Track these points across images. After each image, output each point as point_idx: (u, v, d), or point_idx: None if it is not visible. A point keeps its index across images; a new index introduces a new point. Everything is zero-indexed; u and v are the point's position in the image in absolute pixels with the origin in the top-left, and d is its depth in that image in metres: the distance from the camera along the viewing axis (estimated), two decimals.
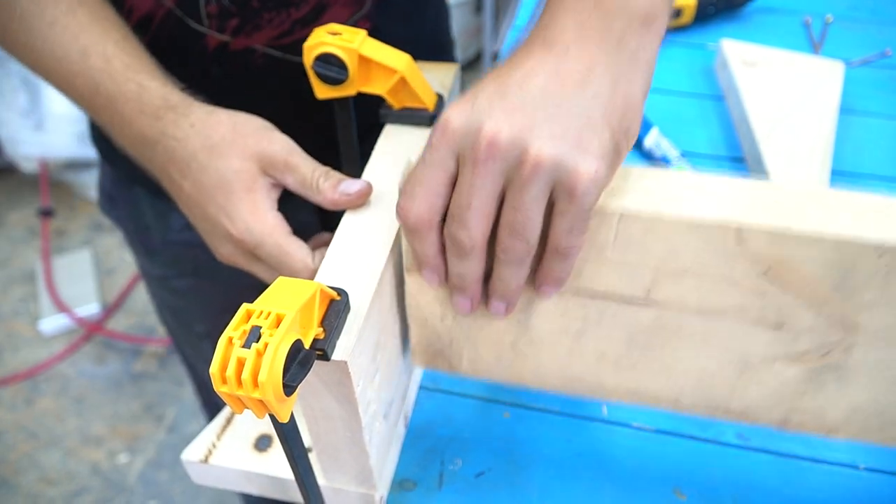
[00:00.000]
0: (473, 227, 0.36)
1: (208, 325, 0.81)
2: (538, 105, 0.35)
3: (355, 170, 0.53)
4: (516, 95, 0.36)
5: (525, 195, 0.35)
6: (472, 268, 0.39)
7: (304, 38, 0.56)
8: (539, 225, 0.36)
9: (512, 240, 0.36)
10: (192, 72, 0.59)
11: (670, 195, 0.38)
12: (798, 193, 0.39)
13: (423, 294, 0.44)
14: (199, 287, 0.77)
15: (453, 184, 0.37)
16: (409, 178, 0.38)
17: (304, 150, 0.58)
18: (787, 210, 0.38)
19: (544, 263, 0.39)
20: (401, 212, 0.38)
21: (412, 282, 0.44)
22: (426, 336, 0.48)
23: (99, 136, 0.70)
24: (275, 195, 0.48)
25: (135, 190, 0.71)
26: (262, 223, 0.46)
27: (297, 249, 0.46)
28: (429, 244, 0.39)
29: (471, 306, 0.41)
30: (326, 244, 0.44)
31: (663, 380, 0.45)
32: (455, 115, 0.36)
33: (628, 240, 0.39)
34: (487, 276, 0.40)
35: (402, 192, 0.38)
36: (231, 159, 0.47)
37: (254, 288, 0.76)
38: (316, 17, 0.60)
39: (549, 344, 0.45)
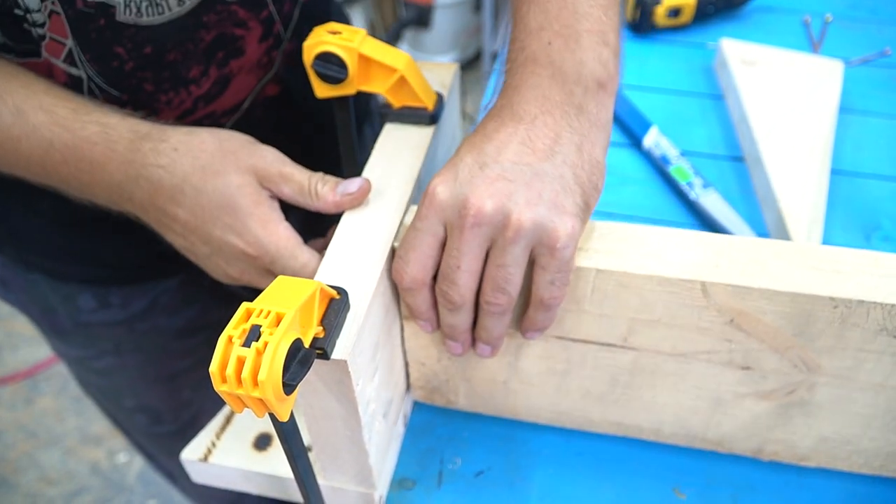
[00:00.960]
0: (462, 285, 0.40)
1: (140, 399, 0.78)
2: (515, 174, 0.39)
3: (355, 170, 0.53)
4: (494, 166, 0.39)
5: (507, 255, 0.39)
6: (461, 319, 0.43)
7: (210, 115, 0.56)
8: (520, 280, 0.40)
9: (495, 294, 0.40)
10: None
11: (641, 252, 0.42)
12: (759, 248, 0.42)
13: (420, 339, 0.49)
14: (123, 364, 0.73)
15: (442, 246, 0.41)
16: (402, 243, 0.42)
17: None
18: (749, 265, 0.41)
19: (529, 313, 0.43)
20: (396, 274, 0.42)
21: (409, 328, 0.48)
22: (424, 374, 0.52)
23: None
24: (277, 207, 0.47)
25: (32, 275, 0.66)
26: (276, 236, 0.45)
27: (311, 259, 0.45)
28: (422, 300, 0.43)
29: (462, 350, 0.45)
30: (324, 249, 0.44)
31: (644, 414, 0.50)
32: (440, 188, 0.40)
33: (604, 294, 0.43)
34: (475, 322, 0.44)
35: (397, 256, 0.42)
36: (229, 176, 0.45)
37: (183, 353, 0.74)
38: (221, 91, 0.57)
39: (538, 383, 0.50)
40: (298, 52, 0.59)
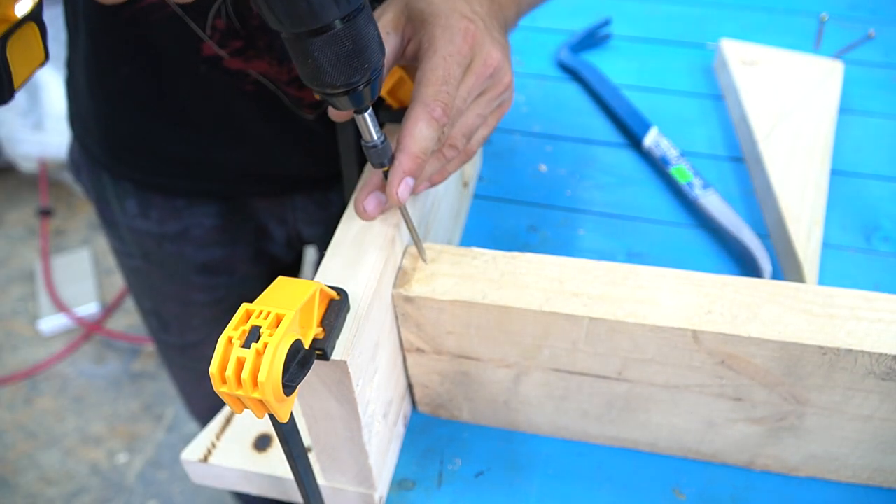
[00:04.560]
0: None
1: (153, 303, 0.84)
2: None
3: (355, 173, 0.53)
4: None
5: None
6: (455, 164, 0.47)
7: (297, 77, 0.58)
8: None
9: (464, 139, 0.45)
10: (178, 66, 0.59)
11: (633, 297, 0.43)
12: (751, 291, 0.43)
13: (423, 367, 0.50)
14: (149, 271, 0.79)
15: None
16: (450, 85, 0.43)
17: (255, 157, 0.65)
18: (740, 310, 0.42)
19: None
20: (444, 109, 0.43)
21: (412, 359, 0.49)
22: (429, 395, 0.53)
23: (75, 118, 0.73)
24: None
25: (96, 168, 0.74)
26: None
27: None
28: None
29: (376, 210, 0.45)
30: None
31: (640, 431, 0.51)
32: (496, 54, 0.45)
33: (597, 337, 0.44)
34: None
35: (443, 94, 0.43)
36: None
37: (201, 287, 0.79)
38: None
39: (538, 405, 0.51)
40: None
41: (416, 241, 0.45)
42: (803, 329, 0.41)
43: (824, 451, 0.48)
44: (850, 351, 0.40)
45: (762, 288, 0.43)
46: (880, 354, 0.40)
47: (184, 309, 0.82)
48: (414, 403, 0.55)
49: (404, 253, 0.47)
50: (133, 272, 0.83)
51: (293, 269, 0.90)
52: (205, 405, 0.99)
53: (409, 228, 0.44)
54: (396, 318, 0.47)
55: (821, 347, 0.41)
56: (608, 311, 0.43)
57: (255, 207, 0.75)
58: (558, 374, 0.47)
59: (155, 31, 0.58)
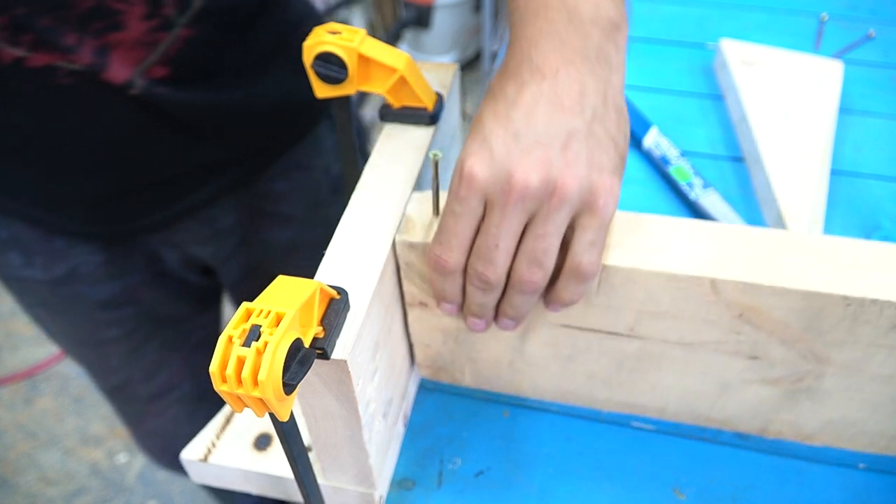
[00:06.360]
0: (500, 264, 0.38)
1: (69, 349, 0.81)
2: (550, 138, 0.37)
3: (354, 170, 0.53)
4: (527, 134, 0.37)
5: (550, 224, 0.37)
6: (492, 298, 0.41)
7: (105, 86, 0.56)
8: (556, 252, 0.38)
9: (531, 269, 0.39)
10: None
11: (648, 245, 0.41)
12: (770, 241, 0.41)
13: (425, 323, 0.48)
14: (51, 317, 0.76)
15: (479, 226, 0.39)
16: (441, 229, 0.40)
17: (115, 189, 0.62)
18: (760, 260, 0.40)
19: (560, 284, 0.40)
20: (437, 262, 0.40)
21: (414, 315, 0.48)
22: (430, 356, 0.51)
23: None
24: None
25: None
26: None
27: None
28: (456, 284, 0.41)
29: (486, 326, 0.44)
30: None
31: (649, 395, 0.49)
32: (478, 168, 0.37)
33: (611, 288, 0.42)
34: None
35: (436, 242, 0.40)
36: None
37: (109, 323, 0.76)
38: (104, 64, 0.56)
39: (543, 365, 0.49)
40: (199, 40, 0.59)
41: (435, 193, 0.44)
42: (827, 278, 0.39)
43: (841, 416, 0.46)
44: (875, 301, 0.38)
45: (784, 238, 0.42)
46: None
47: (98, 350, 0.78)
48: (415, 368, 0.54)
49: (409, 198, 0.46)
50: (39, 321, 0.78)
51: (204, 289, 0.86)
52: (154, 444, 0.94)
53: (434, 180, 0.43)
54: (398, 269, 0.45)
55: (845, 297, 0.39)
56: (623, 259, 0.41)
57: (137, 237, 0.71)
58: (567, 331, 0.46)
59: None
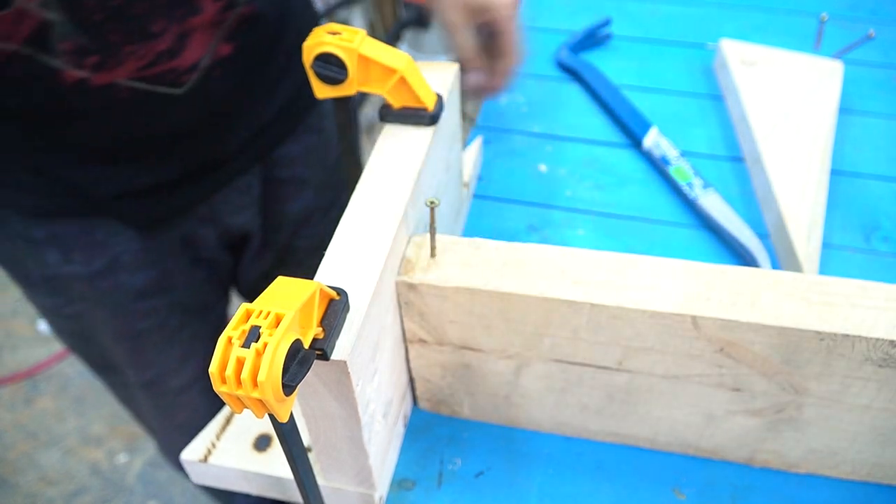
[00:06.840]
0: None
1: (101, 349, 0.81)
2: None
3: (355, 170, 0.53)
4: None
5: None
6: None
7: (172, 71, 0.60)
8: None
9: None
10: (48, 105, 0.58)
11: (634, 284, 0.44)
12: (749, 279, 0.44)
13: (425, 359, 0.50)
14: (88, 312, 0.76)
15: None
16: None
17: (170, 178, 0.66)
18: (738, 297, 0.43)
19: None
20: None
21: (414, 351, 0.50)
22: (430, 389, 0.53)
23: None
24: None
25: (6, 224, 0.69)
26: None
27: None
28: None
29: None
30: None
31: (640, 425, 0.51)
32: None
33: (598, 324, 0.44)
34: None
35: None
36: None
37: (145, 313, 0.77)
38: (181, 48, 0.60)
39: (538, 398, 0.51)
40: (256, 18, 0.65)
41: (432, 236, 0.46)
42: (801, 315, 0.41)
43: (823, 445, 0.48)
44: (847, 336, 0.41)
45: (760, 277, 0.44)
46: (877, 339, 0.40)
47: (134, 343, 0.79)
48: (415, 400, 0.55)
49: (408, 242, 0.47)
50: (72, 320, 0.79)
51: (230, 274, 0.87)
52: (181, 441, 0.93)
53: (431, 225, 0.45)
54: (399, 307, 0.47)
55: (818, 333, 0.41)
56: (609, 298, 0.43)
57: (174, 220, 0.73)
58: (559, 365, 0.48)
59: (11, 81, 0.56)
